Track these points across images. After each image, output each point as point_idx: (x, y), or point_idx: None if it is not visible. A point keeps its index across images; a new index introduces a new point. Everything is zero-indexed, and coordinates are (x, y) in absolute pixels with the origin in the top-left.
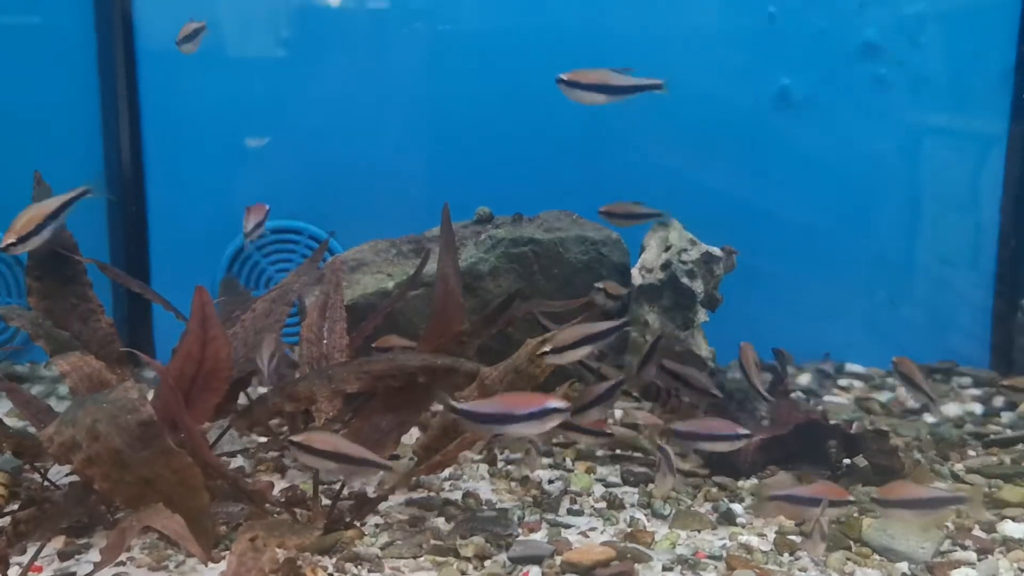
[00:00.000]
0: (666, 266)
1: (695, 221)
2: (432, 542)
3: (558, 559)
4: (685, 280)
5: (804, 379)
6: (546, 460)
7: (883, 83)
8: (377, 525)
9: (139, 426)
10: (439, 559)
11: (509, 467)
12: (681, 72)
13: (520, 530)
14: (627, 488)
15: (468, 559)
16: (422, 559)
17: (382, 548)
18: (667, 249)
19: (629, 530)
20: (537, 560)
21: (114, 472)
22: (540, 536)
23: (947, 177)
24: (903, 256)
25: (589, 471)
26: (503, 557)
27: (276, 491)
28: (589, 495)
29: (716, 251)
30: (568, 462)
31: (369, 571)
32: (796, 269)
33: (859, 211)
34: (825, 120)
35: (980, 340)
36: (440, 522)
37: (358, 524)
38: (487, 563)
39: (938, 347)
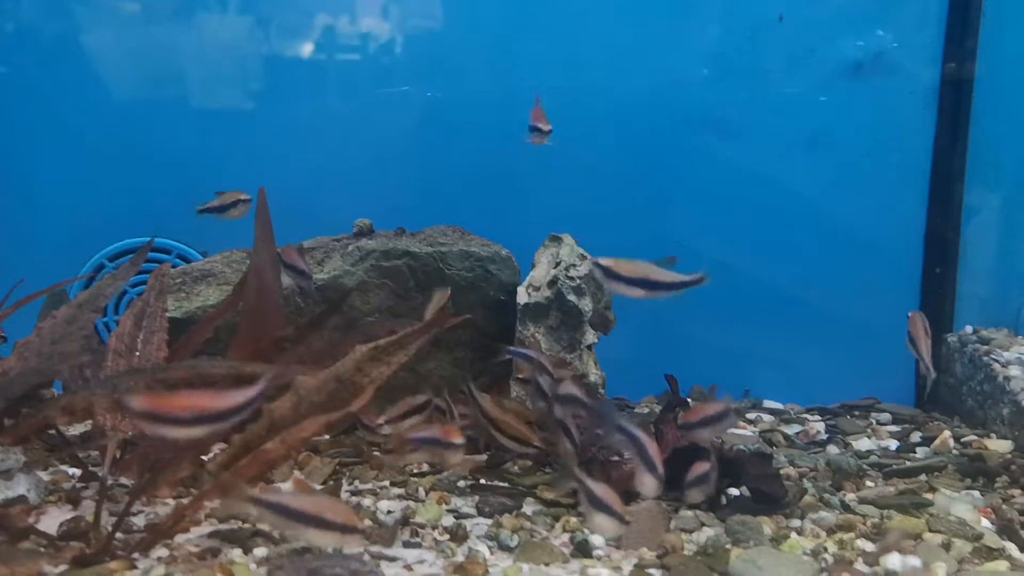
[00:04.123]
0: (553, 283)
1: (608, 251)
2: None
3: None
4: (572, 297)
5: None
6: (397, 491)
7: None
8: (160, 558)
9: None
10: None
11: (354, 498)
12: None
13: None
14: (480, 519)
15: None
16: None
17: None
18: (556, 265)
19: (461, 562)
20: None
21: None
22: None
23: (869, 210)
24: (827, 292)
25: (442, 501)
26: None
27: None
28: (435, 527)
29: None
30: (421, 492)
31: None
32: (718, 304)
33: (783, 246)
34: (747, 154)
35: (905, 377)
36: (236, 555)
37: (137, 556)
38: None
39: (865, 384)
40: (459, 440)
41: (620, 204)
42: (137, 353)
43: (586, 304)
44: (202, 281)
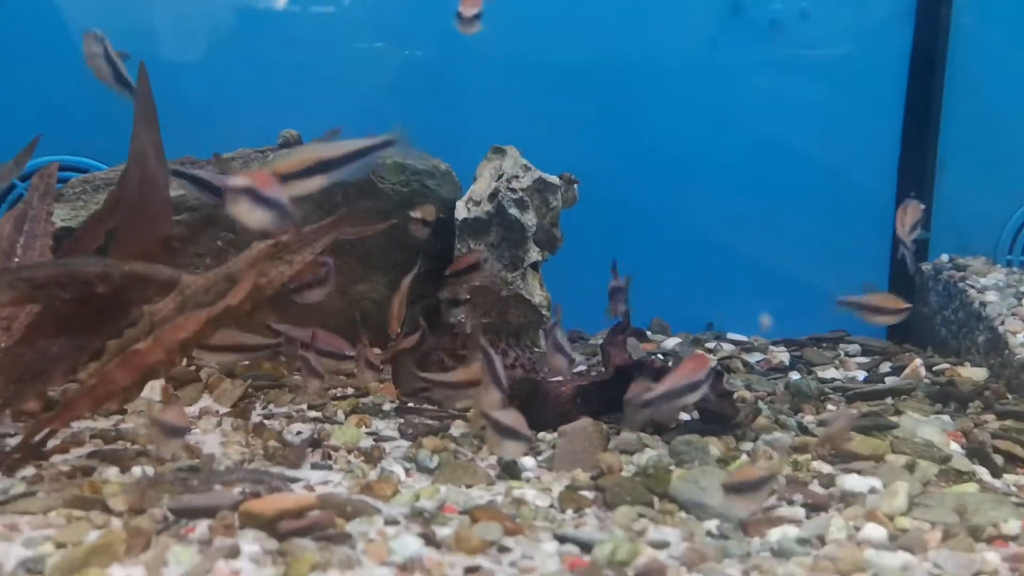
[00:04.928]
0: (494, 195)
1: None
2: (85, 495)
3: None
4: (514, 211)
5: (671, 343)
6: (314, 414)
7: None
8: (26, 477)
9: None
10: (76, 513)
11: (267, 421)
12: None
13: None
14: (401, 442)
15: (117, 513)
16: (53, 514)
17: (3, 502)
18: (499, 178)
19: (370, 483)
20: (209, 512)
21: None
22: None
23: (840, 132)
24: (795, 220)
25: (361, 424)
26: (164, 511)
27: None
28: (351, 450)
29: (552, 179)
30: (340, 415)
31: None
32: (683, 234)
33: (749, 171)
34: (709, 69)
35: None
36: (112, 473)
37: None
38: (140, 517)
39: (835, 317)
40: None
41: (574, 117)
42: (16, 259)
43: (529, 219)
44: (103, 190)
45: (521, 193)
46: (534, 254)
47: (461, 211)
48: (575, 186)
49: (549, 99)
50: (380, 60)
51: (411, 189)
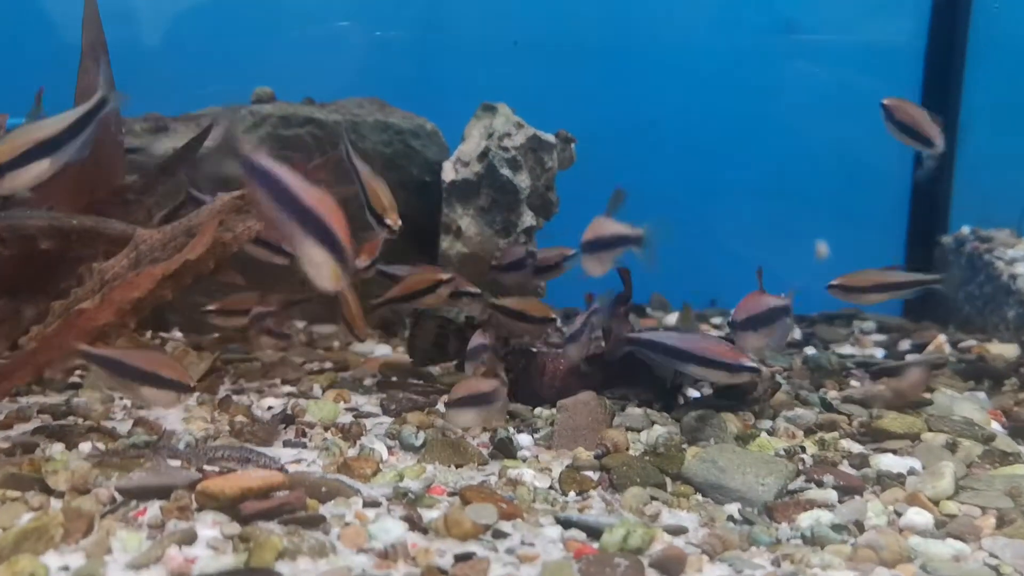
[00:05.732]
0: (484, 155)
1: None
2: (23, 473)
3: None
4: (505, 171)
5: (672, 319)
6: (288, 389)
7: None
8: None
9: None
10: (11, 494)
11: (236, 396)
12: None
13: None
14: (383, 418)
15: (57, 493)
16: None
17: None
18: (489, 136)
19: (348, 461)
20: (163, 492)
21: None
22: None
23: (853, 94)
24: (806, 189)
25: (340, 399)
26: (111, 491)
27: None
28: (328, 427)
29: (548, 137)
30: (317, 390)
31: None
32: (686, 207)
33: (763, 144)
34: (727, 49)
35: None
36: (57, 450)
37: None
38: (83, 497)
39: None
40: None
41: (572, 75)
42: None
43: (523, 180)
44: None
45: (514, 152)
46: (528, 219)
47: (448, 173)
48: (572, 145)
49: (545, 55)
50: (362, 16)
51: (394, 149)
